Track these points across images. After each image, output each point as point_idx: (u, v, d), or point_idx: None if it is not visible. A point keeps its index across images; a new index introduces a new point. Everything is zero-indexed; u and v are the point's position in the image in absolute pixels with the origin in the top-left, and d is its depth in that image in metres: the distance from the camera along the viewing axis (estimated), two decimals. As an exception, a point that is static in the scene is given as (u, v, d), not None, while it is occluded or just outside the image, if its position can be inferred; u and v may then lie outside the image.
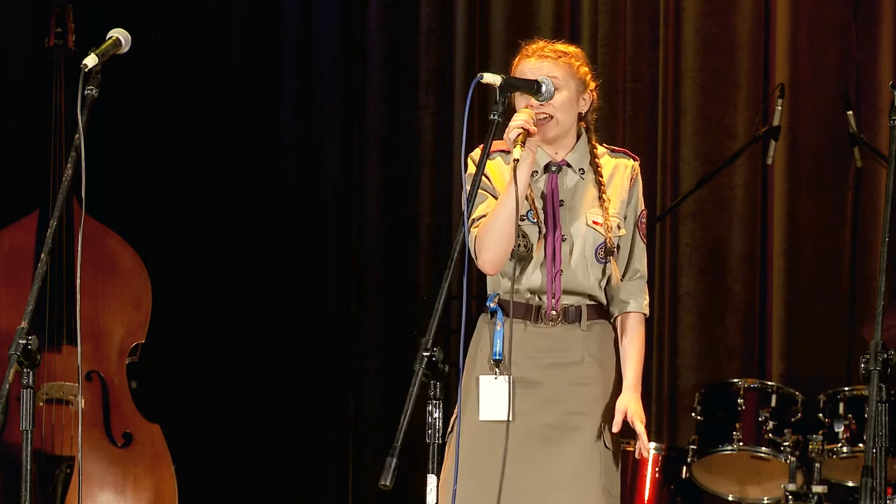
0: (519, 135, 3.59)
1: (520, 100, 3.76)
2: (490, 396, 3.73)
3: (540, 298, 3.76)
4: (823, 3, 5.74)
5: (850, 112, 5.30)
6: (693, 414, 5.17)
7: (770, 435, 5.04)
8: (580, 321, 3.77)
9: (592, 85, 3.86)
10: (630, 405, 3.74)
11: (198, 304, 6.15)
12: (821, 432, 5.02)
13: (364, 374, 6.23)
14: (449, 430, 3.75)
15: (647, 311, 3.87)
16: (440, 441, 3.20)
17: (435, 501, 3.21)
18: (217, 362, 6.17)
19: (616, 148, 3.92)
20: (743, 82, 5.77)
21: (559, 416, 3.73)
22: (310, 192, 6.32)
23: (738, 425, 5.05)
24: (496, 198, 3.77)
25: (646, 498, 5.13)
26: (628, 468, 5.12)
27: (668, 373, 5.80)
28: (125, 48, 3.57)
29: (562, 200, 3.78)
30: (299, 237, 6.29)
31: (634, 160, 3.91)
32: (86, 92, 3.41)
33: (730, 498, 5.25)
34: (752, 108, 5.71)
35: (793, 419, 5.08)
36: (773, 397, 5.10)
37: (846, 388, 5.06)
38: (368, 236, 6.26)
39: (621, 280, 3.84)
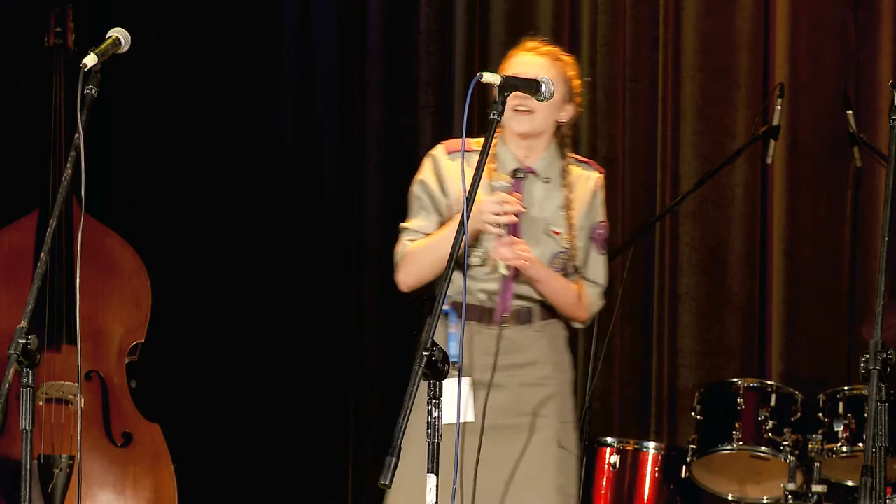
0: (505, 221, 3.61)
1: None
2: (450, 400, 3.70)
3: (492, 300, 3.76)
4: (823, 2, 5.73)
5: (850, 111, 5.29)
6: (693, 413, 5.15)
7: (770, 434, 5.02)
8: (531, 322, 3.76)
9: (579, 100, 3.87)
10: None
11: (197, 303, 6.15)
12: (820, 432, 5.00)
13: (364, 374, 6.23)
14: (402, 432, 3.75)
15: (589, 313, 3.83)
16: (439, 440, 3.20)
17: (434, 501, 3.21)
18: (217, 362, 6.17)
19: (583, 158, 3.93)
20: (742, 82, 5.75)
21: (514, 416, 3.74)
22: (309, 192, 6.31)
23: (737, 425, 5.03)
24: (438, 210, 3.78)
25: (645, 497, 5.13)
26: (627, 467, 5.12)
27: (668, 372, 5.80)
28: (125, 48, 3.58)
29: (526, 207, 3.78)
30: (299, 237, 6.29)
31: (600, 172, 3.91)
32: (85, 91, 3.42)
33: (729, 497, 5.24)
34: (751, 108, 5.70)
35: (792, 419, 5.06)
36: (773, 397, 5.08)
37: (846, 388, 5.04)
38: (368, 236, 6.26)
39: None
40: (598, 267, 3.89)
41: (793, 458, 5.00)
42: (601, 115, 5.93)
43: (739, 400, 5.06)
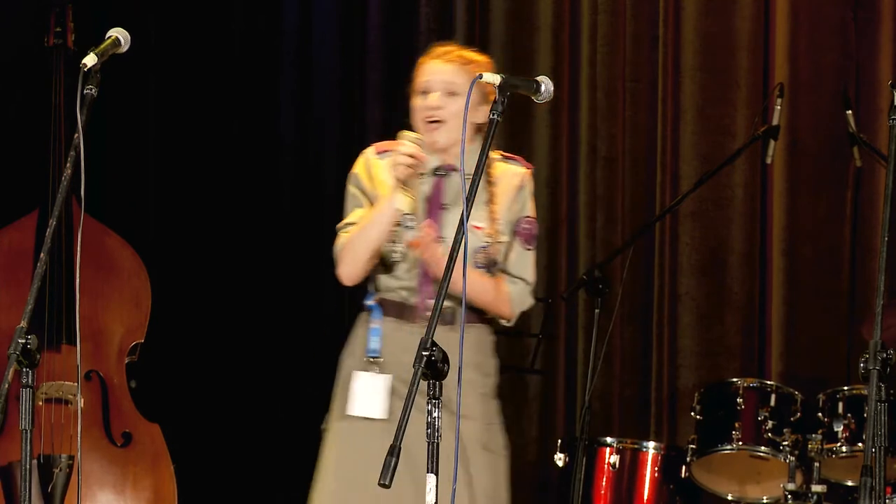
0: (403, 172, 3.64)
1: (418, 97, 3.78)
2: (364, 393, 3.76)
3: (413, 298, 3.78)
4: (823, 2, 5.72)
5: (850, 111, 5.28)
6: (692, 413, 5.14)
7: (769, 434, 5.01)
8: (455, 323, 3.76)
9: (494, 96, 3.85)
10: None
11: (197, 303, 6.14)
12: (820, 432, 4.98)
13: (364, 374, 6.22)
14: (324, 426, 3.80)
15: (512, 309, 3.82)
16: (439, 440, 3.20)
17: (434, 501, 3.20)
18: (217, 362, 6.16)
19: (510, 155, 3.92)
20: (742, 82, 5.74)
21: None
22: (309, 192, 6.31)
23: (737, 425, 5.01)
24: (371, 205, 3.79)
25: (645, 497, 5.12)
26: (626, 467, 5.11)
27: (668, 372, 5.78)
28: (124, 48, 3.58)
29: (445, 204, 3.79)
30: (299, 237, 6.28)
31: (527, 168, 3.89)
32: (85, 91, 3.42)
33: (729, 497, 5.24)
34: (751, 108, 5.68)
35: (792, 419, 5.04)
36: (773, 397, 5.06)
37: (845, 388, 5.02)
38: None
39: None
40: (523, 262, 3.85)
41: (792, 458, 4.98)
42: (601, 114, 5.92)
43: (739, 400, 5.05)
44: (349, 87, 6.29)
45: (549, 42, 5.98)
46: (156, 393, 5.61)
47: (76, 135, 3.37)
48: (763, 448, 5.01)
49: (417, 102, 3.78)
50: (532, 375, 5.88)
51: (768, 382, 5.19)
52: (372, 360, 3.79)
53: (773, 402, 5.05)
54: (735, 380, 5.16)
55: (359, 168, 3.88)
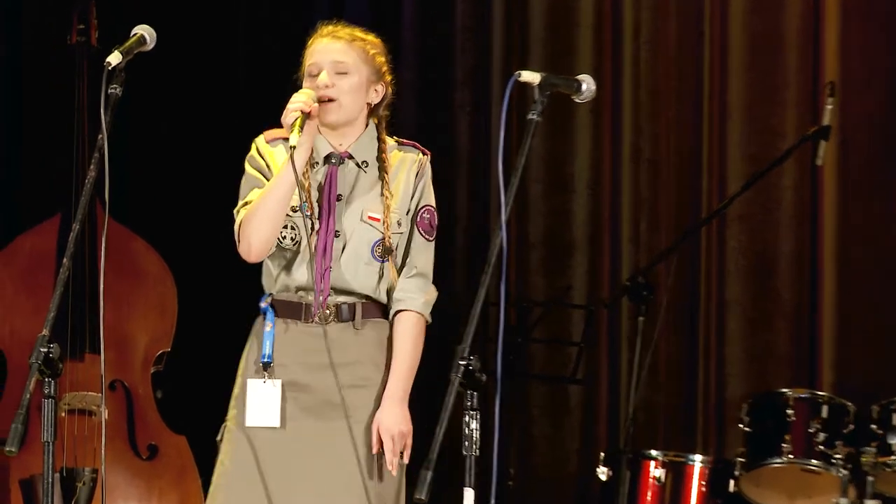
0: (297, 119, 3.54)
1: (307, 80, 3.70)
2: (258, 401, 3.71)
3: (309, 295, 3.68)
4: (874, -3, 5.68)
5: (903, 110, 5.25)
6: (740, 425, 5.10)
7: (821, 447, 4.96)
8: (354, 320, 3.67)
9: (388, 78, 3.78)
10: (384, 420, 3.66)
11: (225, 310, 6.04)
12: (874, 444, 4.93)
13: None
14: (219, 436, 3.76)
15: (423, 312, 3.73)
16: (476, 453, 3.15)
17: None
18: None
19: (405, 141, 3.84)
20: (791, 81, 5.71)
21: (331, 419, 3.65)
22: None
23: (787, 437, 4.97)
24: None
25: (692, 512, 5.06)
26: (672, 481, 5.05)
27: (715, 382, 5.80)
28: (150, 45, 3.52)
29: (339, 195, 3.70)
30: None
31: (424, 154, 3.81)
32: (109, 91, 3.37)
33: (779, 513, 5.17)
34: (801, 108, 5.67)
35: (845, 431, 5.00)
36: (825, 408, 5.02)
37: (901, 399, 5.01)
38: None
39: (399, 277, 3.74)
40: (423, 256, 3.76)
41: (845, 472, 4.94)
42: (645, 114, 5.94)
43: (789, 411, 5.01)
44: (383, 85, 6.21)
45: (591, 40, 6.00)
46: (182, 404, 5.55)
47: (100, 136, 3.33)
48: (814, 461, 4.97)
49: (309, 83, 3.70)
50: (573, 385, 5.87)
51: (820, 393, 5.16)
52: (265, 365, 3.73)
53: (824, 414, 5.02)
54: (785, 390, 5.12)
55: (253, 153, 3.77)
